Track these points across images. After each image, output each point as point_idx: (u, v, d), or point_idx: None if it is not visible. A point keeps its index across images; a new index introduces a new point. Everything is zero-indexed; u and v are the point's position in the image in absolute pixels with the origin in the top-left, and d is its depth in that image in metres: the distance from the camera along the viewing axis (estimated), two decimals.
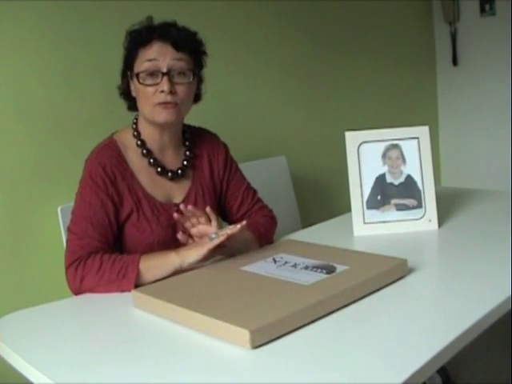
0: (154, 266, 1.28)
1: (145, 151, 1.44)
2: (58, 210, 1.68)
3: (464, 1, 3.14)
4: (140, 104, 1.41)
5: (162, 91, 1.35)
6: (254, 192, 1.63)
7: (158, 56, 1.35)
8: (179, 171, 1.47)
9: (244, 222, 1.33)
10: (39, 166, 1.76)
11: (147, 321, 1.12)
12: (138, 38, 1.38)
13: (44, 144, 1.77)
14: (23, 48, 1.72)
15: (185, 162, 1.49)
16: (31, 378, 0.97)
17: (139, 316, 1.14)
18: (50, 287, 1.66)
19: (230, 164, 1.59)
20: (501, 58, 3.03)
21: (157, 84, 1.35)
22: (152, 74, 1.36)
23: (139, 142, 1.44)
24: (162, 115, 1.37)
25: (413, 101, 3.17)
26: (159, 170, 1.44)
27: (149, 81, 1.36)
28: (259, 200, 1.63)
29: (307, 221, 2.22)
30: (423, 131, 1.67)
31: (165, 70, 1.35)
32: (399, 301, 1.15)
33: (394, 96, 3.06)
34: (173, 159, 1.48)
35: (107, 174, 1.37)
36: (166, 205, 1.44)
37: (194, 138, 1.54)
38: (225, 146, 1.59)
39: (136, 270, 1.26)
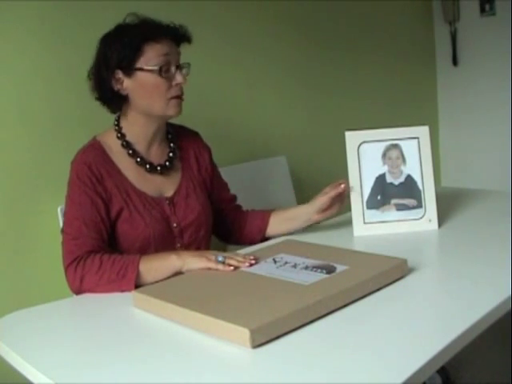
0: (155, 267, 1.28)
1: (131, 151, 1.44)
2: (58, 210, 1.68)
3: (464, 1, 3.14)
4: (148, 100, 1.39)
5: (177, 84, 1.38)
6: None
7: (169, 51, 1.38)
8: (167, 163, 1.48)
9: (253, 261, 1.28)
10: (39, 166, 1.76)
11: (147, 321, 1.11)
12: (146, 32, 1.36)
13: (44, 144, 1.77)
14: (24, 49, 1.72)
15: (171, 154, 1.50)
16: (31, 378, 0.97)
17: (139, 316, 1.14)
18: (50, 287, 1.66)
19: (215, 165, 1.63)
20: (501, 58, 3.03)
21: (170, 78, 1.38)
22: (167, 67, 1.38)
23: (124, 143, 1.44)
24: (176, 109, 1.41)
25: (413, 101, 3.17)
26: (148, 167, 1.45)
27: (166, 74, 1.38)
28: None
29: None
30: (423, 131, 1.67)
31: (177, 64, 1.39)
32: (399, 301, 1.15)
33: (394, 96, 3.06)
34: (159, 153, 1.49)
35: (93, 172, 1.37)
36: (158, 199, 1.45)
37: (176, 133, 1.56)
38: (208, 147, 1.62)
39: (136, 270, 1.26)
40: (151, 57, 1.37)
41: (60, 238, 1.65)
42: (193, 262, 1.28)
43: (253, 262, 1.28)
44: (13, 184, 1.71)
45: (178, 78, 1.38)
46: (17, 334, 1.11)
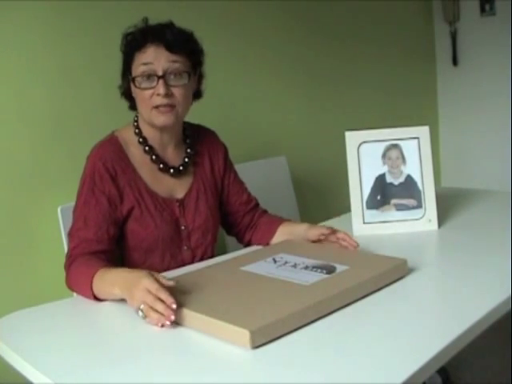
0: (103, 292, 1.21)
1: (147, 148, 1.44)
2: (58, 210, 1.68)
3: (464, 1, 3.14)
4: (139, 107, 1.42)
5: (158, 94, 1.35)
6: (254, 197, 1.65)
7: (152, 59, 1.35)
8: (181, 168, 1.48)
9: (172, 316, 1.05)
10: (39, 166, 1.76)
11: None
12: (133, 42, 1.38)
13: (44, 144, 1.77)
14: (23, 49, 1.72)
15: (186, 159, 1.50)
16: (31, 378, 0.97)
17: (139, 315, 1.14)
18: (50, 287, 1.66)
19: (230, 164, 1.61)
20: (501, 58, 3.03)
21: (153, 87, 1.36)
22: (148, 77, 1.36)
23: (141, 140, 1.45)
24: (160, 119, 1.38)
25: (413, 101, 3.17)
26: (161, 166, 1.45)
27: (145, 84, 1.36)
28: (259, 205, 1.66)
29: (307, 221, 2.21)
30: (423, 131, 1.67)
31: (160, 73, 1.35)
32: (399, 301, 1.15)
33: (394, 96, 3.06)
34: (174, 156, 1.49)
35: (107, 169, 1.37)
36: (168, 200, 1.45)
37: (194, 136, 1.55)
38: (224, 146, 1.61)
39: (91, 291, 1.22)
40: (135, 66, 1.38)
41: (60, 237, 1.66)
42: (129, 301, 1.13)
43: (172, 318, 1.05)
44: (13, 184, 1.71)
45: (157, 88, 1.34)
46: (17, 334, 1.11)
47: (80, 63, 1.84)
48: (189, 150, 1.51)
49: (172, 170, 1.46)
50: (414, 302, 1.16)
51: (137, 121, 1.47)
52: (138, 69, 1.37)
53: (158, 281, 1.09)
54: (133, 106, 1.48)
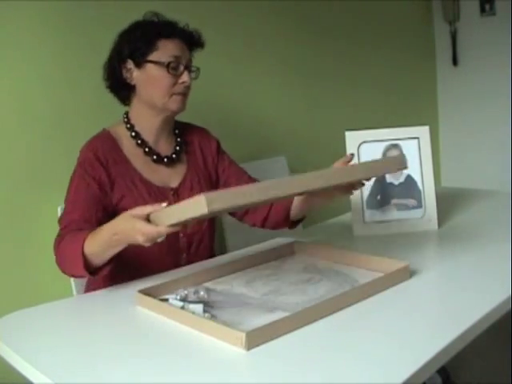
0: (96, 253, 1.23)
1: (139, 141, 1.48)
2: (58, 210, 1.68)
3: (464, 1, 3.14)
4: (152, 92, 1.44)
5: (183, 82, 1.43)
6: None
7: (180, 53, 1.44)
8: (173, 155, 1.52)
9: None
10: (39, 166, 1.76)
11: (147, 320, 1.11)
12: (161, 29, 1.43)
13: (44, 144, 1.77)
14: (23, 48, 1.72)
15: (177, 148, 1.54)
16: (31, 378, 0.97)
17: (139, 315, 1.14)
18: (50, 287, 1.66)
19: (223, 153, 1.63)
20: (501, 58, 3.03)
21: (177, 75, 1.43)
22: (177, 66, 1.43)
23: (133, 134, 1.48)
24: (177, 104, 1.45)
25: (413, 101, 3.17)
26: (155, 157, 1.49)
27: (174, 71, 1.43)
28: None
29: (307, 221, 2.21)
30: (423, 131, 1.67)
31: (185, 64, 1.44)
32: (399, 301, 1.15)
33: (394, 96, 3.06)
34: (166, 146, 1.53)
35: (98, 158, 1.41)
36: (163, 189, 1.48)
37: (182, 127, 1.59)
38: (216, 139, 1.63)
39: (82, 260, 1.22)
40: (162, 53, 1.42)
41: None
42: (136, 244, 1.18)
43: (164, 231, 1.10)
44: (13, 184, 1.71)
45: (184, 77, 1.43)
46: (17, 334, 1.11)
47: (80, 63, 1.84)
48: (178, 139, 1.55)
49: (166, 160, 1.50)
50: (413, 301, 1.16)
51: (127, 117, 1.50)
52: (166, 57, 1.42)
53: (144, 216, 1.12)
54: (126, 98, 1.50)
